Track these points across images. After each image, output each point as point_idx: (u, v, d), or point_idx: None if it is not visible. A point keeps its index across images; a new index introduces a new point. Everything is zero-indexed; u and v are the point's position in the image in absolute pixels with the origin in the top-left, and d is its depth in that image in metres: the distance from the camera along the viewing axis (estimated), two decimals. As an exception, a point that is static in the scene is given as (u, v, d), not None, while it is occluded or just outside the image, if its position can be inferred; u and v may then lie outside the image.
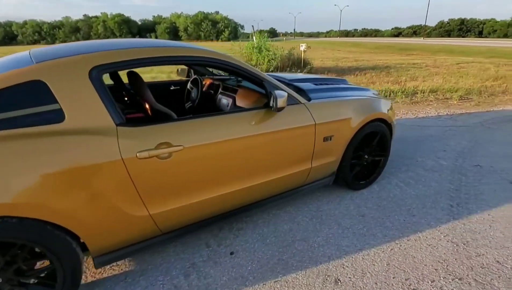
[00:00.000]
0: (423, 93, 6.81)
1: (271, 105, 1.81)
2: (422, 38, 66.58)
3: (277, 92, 1.82)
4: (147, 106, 1.80)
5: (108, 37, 66.76)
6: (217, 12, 72.07)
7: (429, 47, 25.64)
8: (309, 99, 2.17)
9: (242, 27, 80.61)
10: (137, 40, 1.90)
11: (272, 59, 9.26)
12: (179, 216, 1.71)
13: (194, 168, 1.65)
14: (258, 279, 1.75)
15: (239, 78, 2.54)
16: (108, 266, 1.86)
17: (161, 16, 75.48)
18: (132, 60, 1.52)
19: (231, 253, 1.95)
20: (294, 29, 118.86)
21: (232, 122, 1.76)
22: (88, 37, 68.06)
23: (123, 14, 70.30)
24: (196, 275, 1.78)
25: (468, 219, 2.28)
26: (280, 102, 1.78)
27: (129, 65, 1.53)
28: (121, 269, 1.85)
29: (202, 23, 64.61)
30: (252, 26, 10.76)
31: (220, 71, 2.89)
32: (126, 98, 2.61)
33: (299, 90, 2.32)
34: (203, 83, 2.84)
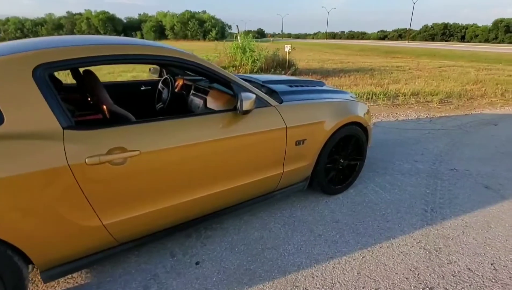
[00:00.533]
0: (404, 96, 6.89)
1: (237, 107, 1.72)
2: (406, 41, 68.11)
3: (244, 94, 1.73)
4: (104, 107, 1.67)
5: (91, 35, 65.17)
6: (204, 12, 71.62)
7: (413, 50, 26.21)
8: (281, 102, 2.09)
9: (230, 27, 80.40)
10: (96, 37, 1.77)
11: (257, 59, 9.19)
12: (137, 225, 1.60)
13: (153, 174, 1.54)
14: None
15: None
16: (63, 279, 1.73)
17: (147, 14, 74.58)
18: (83, 58, 1.40)
19: (197, 263, 1.85)
20: (282, 30, 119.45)
21: (195, 126, 1.66)
22: (71, 34, 66.40)
23: (107, 12, 68.79)
24: (156, 288, 1.68)
25: (442, 224, 2.26)
26: (246, 105, 1.70)
27: (80, 64, 1.41)
28: (76, 282, 1.72)
29: (189, 22, 63.84)
30: (237, 26, 10.67)
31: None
32: (89, 99, 2.47)
33: (272, 92, 2.25)
34: (176, 83, 2.73)
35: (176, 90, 2.70)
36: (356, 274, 1.79)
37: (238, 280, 1.73)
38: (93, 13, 67.32)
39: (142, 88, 2.86)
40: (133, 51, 1.52)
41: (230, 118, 1.77)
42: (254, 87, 2.00)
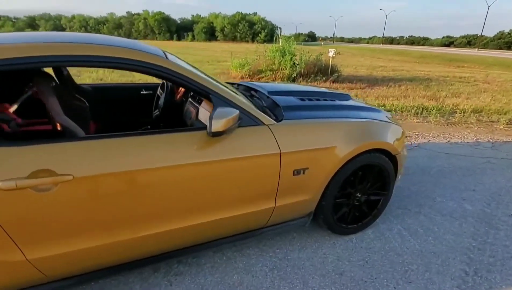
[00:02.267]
0: (463, 112, 5.96)
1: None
2: (476, 49, 61.63)
3: (220, 109, 1.40)
4: (52, 117, 1.45)
5: (147, 34, 69.74)
6: (255, 13, 72.13)
7: (482, 59, 23.39)
8: (280, 119, 1.71)
9: (280, 29, 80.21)
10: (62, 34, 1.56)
11: (296, 64, 8.73)
12: (73, 261, 1.35)
13: (90, 205, 1.27)
14: None
15: None
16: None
17: (200, 15, 76.72)
18: (12, 58, 1.17)
19: None
20: (334, 34, 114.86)
21: (153, 146, 1.36)
22: (129, 33, 71.46)
23: (163, 12, 72.28)
24: None
25: (487, 298, 1.69)
26: (219, 124, 1.35)
27: (15, 65, 1.19)
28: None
29: (239, 24, 64.83)
30: (279, 28, 10.36)
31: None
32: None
33: (274, 107, 1.87)
34: (180, 88, 2.48)
35: (177, 96, 2.44)
36: None
37: None
38: (150, 14, 71.24)
39: (142, 92, 2.66)
40: (77, 52, 1.25)
41: (201, 138, 1.44)
42: (244, 100, 1.65)
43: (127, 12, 76.61)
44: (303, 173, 1.72)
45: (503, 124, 5.43)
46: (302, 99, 2.12)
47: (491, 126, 5.36)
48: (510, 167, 3.54)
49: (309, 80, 8.54)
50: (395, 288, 1.73)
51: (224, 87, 1.62)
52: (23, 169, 1.13)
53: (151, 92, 2.69)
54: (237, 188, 1.58)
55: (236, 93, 1.72)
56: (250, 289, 1.69)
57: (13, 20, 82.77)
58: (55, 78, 2.10)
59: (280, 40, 9.11)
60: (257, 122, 1.61)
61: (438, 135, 4.62)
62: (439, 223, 2.37)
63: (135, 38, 65.93)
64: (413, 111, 5.81)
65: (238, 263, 1.87)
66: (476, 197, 2.80)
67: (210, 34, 67.80)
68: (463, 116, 5.77)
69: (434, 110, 5.87)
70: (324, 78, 8.70)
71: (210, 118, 1.35)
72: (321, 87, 7.94)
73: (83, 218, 1.28)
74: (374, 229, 2.24)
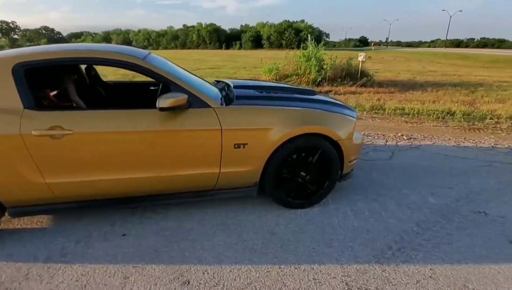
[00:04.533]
0: (497, 118, 5.66)
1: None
2: None
3: (168, 94, 1.97)
4: (71, 98, 2.24)
5: (199, 44, 74.36)
6: (302, 21, 72.53)
7: None
8: (227, 104, 2.21)
9: (328, 35, 79.61)
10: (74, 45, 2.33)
11: (321, 68, 8.95)
12: (72, 189, 2.05)
13: (84, 150, 1.96)
14: (124, 261, 1.94)
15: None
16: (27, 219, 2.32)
17: (248, 25, 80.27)
18: (44, 60, 1.96)
19: (123, 235, 2.19)
20: (387, 38, 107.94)
21: (123, 117, 2.01)
22: (184, 44, 78.43)
23: (214, 24, 78.34)
24: (84, 244, 2.09)
25: (396, 268, 1.94)
26: (164, 102, 1.92)
27: (43, 64, 1.97)
28: (37, 224, 2.26)
29: (285, 31, 65.61)
30: (308, 34, 10.60)
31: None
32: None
33: (230, 96, 2.41)
34: None
35: None
36: (246, 283, 1.78)
37: (141, 257, 1.97)
38: (203, 26, 77.87)
39: (151, 88, 3.37)
40: (65, 55, 2.02)
41: (158, 114, 2.02)
42: (198, 90, 2.17)
43: (184, 25, 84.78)
44: (243, 147, 2.18)
45: (542, 132, 5.07)
46: (261, 92, 2.59)
47: (527, 133, 5.05)
48: (511, 171, 3.47)
49: (334, 85, 8.72)
50: (313, 248, 2.08)
51: (185, 80, 2.18)
52: (46, 124, 1.87)
53: (157, 87, 3.38)
54: (187, 152, 2.13)
55: (194, 86, 2.24)
56: (195, 234, 2.20)
57: (93, 35, 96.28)
58: (84, 75, 2.96)
59: (309, 45, 9.41)
60: (206, 105, 2.13)
61: (449, 139, 4.58)
62: (390, 210, 2.59)
63: (189, 48, 71.10)
64: (433, 115, 5.71)
65: (195, 216, 2.41)
66: (448, 194, 2.90)
67: (257, 42, 69.93)
68: (495, 122, 5.50)
69: (459, 114, 5.69)
70: (351, 82, 8.77)
71: (158, 98, 1.92)
72: (345, 91, 8.11)
73: (79, 159, 1.97)
74: (323, 207, 2.57)
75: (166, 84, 2.13)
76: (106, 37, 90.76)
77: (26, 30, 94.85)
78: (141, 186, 2.17)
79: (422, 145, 4.23)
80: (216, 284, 1.77)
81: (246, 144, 2.18)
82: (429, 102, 6.76)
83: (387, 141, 4.42)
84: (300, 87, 3.04)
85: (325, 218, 2.43)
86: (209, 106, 2.14)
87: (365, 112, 6.12)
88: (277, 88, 2.88)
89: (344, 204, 2.64)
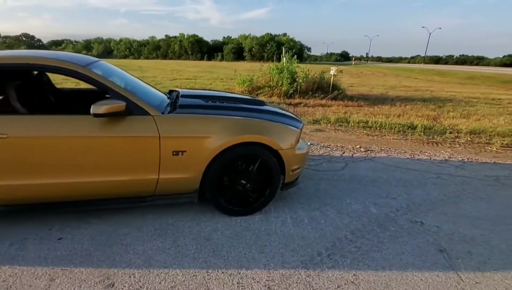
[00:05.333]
0: (457, 133, 5.94)
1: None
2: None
3: (104, 101, 2.04)
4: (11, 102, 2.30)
5: (181, 55, 75.42)
6: (284, 34, 73.88)
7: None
8: (168, 112, 2.29)
9: (309, 49, 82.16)
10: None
11: (294, 81, 9.21)
12: (8, 191, 2.08)
13: (20, 154, 2.00)
14: (54, 263, 1.97)
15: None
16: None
17: (230, 37, 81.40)
18: None
19: (59, 239, 2.21)
20: (367, 53, 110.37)
21: (57, 123, 2.06)
22: (166, 54, 79.23)
23: (197, 35, 78.94)
24: (18, 247, 2.10)
25: (321, 273, 2.01)
26: (98, 109, 1.98)
27: None
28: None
29: (267, 44, 66.97)
30: (283, 47, 10.94)
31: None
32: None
33: (174, 104, 2.50)
34: None
35: None
36: (170, 287, 1.83)
37: (72, 260, 2.01)
38: (185, 36, 78.72)
39: (106, 96, 3.41)
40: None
41: (94, 120, 2.07)
42: (139, 98, 2.23)
43: (166, 35, 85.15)
44: (182, 154, 2.25)
45: (498, 146, 5.35)
46: (207, 101, 2.68)
47: (482, 147, 5.31)
48: (460, 184, 3.64)
49: (306, 97, 8.97)
50: (245, 254, 2.14)
51: (129, 89, 2.28)
52: None
53: None
54: (125, 158, 2.18)
55: (136, 94, 2.31)
56: (131, 238, 2.24)
57: (73, 43, 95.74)
58: (35, 81, 3.01)
59: (283, 58, 9.69)
60: (145, 113, 2.20)
61: (405, 151, 4.77)
62: (330, 218, 2.68)
63: (170, 58, 71.52)
64: (395, 128, 5.94)
65: (134, 222, 2.44)
66: (390, 204, 3.03)
67: (238, 54, 70.91)
68: (455, 136, 5.76)
69: (420, 128, 5.94)
70: (322, 95, 9.04)
71: (93, 105, 1.98)
72: (315, 104, 8.34)
73: (15, 162, 2.00)
74: (263, 215, 2.65)
75: (106, 91, 2.18)
76: (87, 46, 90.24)
77: (6, 36, 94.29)
78: (78, 190, 2.20)
79: (377, 157, 4.40)
80: (140, 287, 1.80)
81: (185, 151, 2.25)
82: (394, 116, 7.03)
83: (343, 153, 4.57)
84: (250, 98, 3.16)
85: (263, 225, 2.50)
86: (149, 114, 2.20)
87: (329, 125, 6.30)
88: (226, 98, 2.99)
89: (285, 212, 2.72)
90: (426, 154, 4.71)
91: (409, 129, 5.97)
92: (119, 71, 2.73)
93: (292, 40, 69.39)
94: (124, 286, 1.81)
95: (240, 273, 1.97)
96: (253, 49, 69.47)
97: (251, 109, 2.73)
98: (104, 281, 1.84)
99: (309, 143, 4.54)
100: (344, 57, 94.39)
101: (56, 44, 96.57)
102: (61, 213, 2.47)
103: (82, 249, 2.11)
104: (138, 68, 23.16)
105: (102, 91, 3.16)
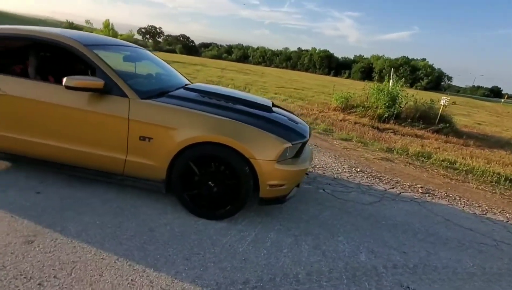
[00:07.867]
0: None
1: None
2: None
3: (80, 76, 2.39)
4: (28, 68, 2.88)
5: (309, 68, 78.12)
6: (423, 59, 67.52)
7: None
8: (146, 98, 2.47)
9: (450, 78, 73.30)
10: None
11: (393, 104, 8.23)
12: (4, 141, 2.63)
13: (11, 110, 2.56)
14: (22, 211, 2.31)
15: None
16: None
17: (362, 56, 79.38)
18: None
19: (37, 192, 2.60)
20: None
21: (39, 88, 2.57)
22: (295, 65, 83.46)
23: (328, 50, 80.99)
24: (3, 195, 2.51)
25: None
26: (70, 82, 2.27)
27: None
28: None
29: (401, 67, 61.12)
30: (391, 69, 9.95)
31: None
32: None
33: (162, 92, 2.75)
34: None
35: None
36: (72, 261, 1.94)
37: (38, 216, 2.30)
38: (316, 51, 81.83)
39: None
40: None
41: (70, 91, 2.34)
42: (121, 79, 2.46)
43: (298, 48, 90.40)
44: (148, 141, 2.41)
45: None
46: (202, 96, 2.81)
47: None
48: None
49: (402, 124, 7.94)
50: (169, 255, 2.10)
51: (113, 70, 2.50)
52: None
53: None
54: (97, 132, 2.49)
55: (123, 77, 2.53)
56: (89, 208, 2.48)
57: (219, 46, 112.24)
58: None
59: (390, 80, 8.82)
60: (123, 95, 2.44)
61: (479, 205, 3.74)
62: (299, 250, 2.36)
63: (299, 70, 74.95)
64: (489, 177, 4.67)
65: (106, 195, 2.69)
66: (391, 258, 2.45)
67: (367, 74, 66.98)
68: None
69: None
70: (423, 125, 7.80)
71: (66, 77, 2.29)
72: (408, 132, 7.31)
73: (6, 116, 2.58)
74: (230, 224, 2.53)
75: (94, 69, 2.51)
76: (229, 50, 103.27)
77: (168, 35, 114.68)
78: (54, 152, 2.58)
79: (430, 203, 3.59)
80: (51, 251, 1.98)
81: (152, 138, 2.39)
82: (500, 164, 5.50)
83: (391, 188, 3.90)
84: (258, 101, 3.11)
85: (216, 234, 2.39)
86: (126, 96, 2.43)
87: (403, 156, 5.43)
88: (228, 97, 2.97)
89: (254, 230, 2.53)
90: (507, 215, 3.56)
91: (508, 182, 4.59)
92: (153, 57, 3.42)
93: (430, 66, 63.16)
94: (39, 246, 1.99)
95: (145, 272, 1.93)
96: (384, 70, 65.96)
97: (242, 111, 2.65)
98: (28, 237, 2.06)
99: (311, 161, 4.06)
100: (494, 93, 78.01)
101: (204, 46, 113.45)
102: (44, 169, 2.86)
103: (49, 207, 2.40)
104: (261, 74, 25.00)
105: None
